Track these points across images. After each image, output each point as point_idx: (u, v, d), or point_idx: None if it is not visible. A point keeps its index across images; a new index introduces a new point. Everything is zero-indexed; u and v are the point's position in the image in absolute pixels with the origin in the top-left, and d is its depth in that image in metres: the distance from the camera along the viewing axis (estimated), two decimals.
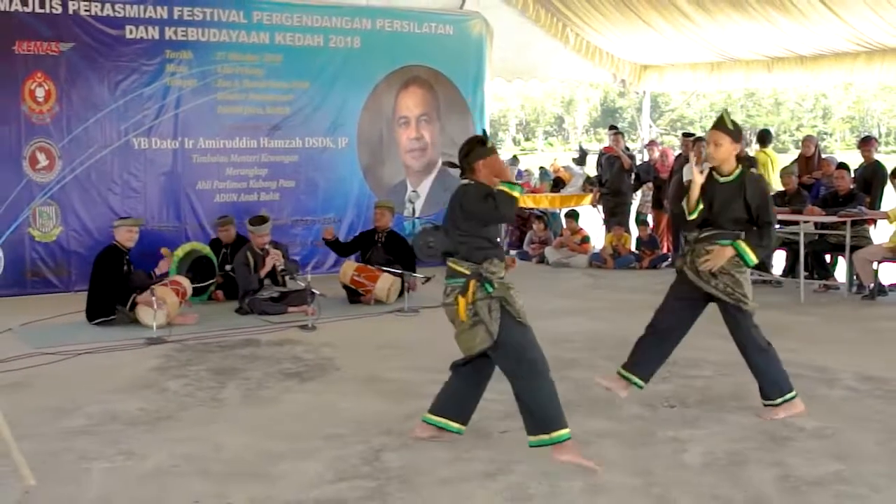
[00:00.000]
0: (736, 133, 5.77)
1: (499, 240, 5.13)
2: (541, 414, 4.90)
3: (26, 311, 9.30)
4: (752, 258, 5.70)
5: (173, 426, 5.76)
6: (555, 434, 4.86)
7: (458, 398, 5.32)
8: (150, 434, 5.59)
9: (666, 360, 6.12)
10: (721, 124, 5.78)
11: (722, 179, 5.78)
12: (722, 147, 5.72)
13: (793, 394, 5.87)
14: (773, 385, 5.86)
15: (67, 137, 10.56)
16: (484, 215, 4.99)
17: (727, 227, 5.74)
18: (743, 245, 5.68)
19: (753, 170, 11.08)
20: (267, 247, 9.63)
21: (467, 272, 4.94)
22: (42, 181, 10.47)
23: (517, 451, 5.18)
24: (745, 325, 5.83)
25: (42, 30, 10.31)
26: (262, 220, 9.71)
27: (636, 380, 5.99)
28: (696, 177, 5.70)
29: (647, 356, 6.01)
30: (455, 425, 5.31)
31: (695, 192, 5.71)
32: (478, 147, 5.17)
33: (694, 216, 5.76)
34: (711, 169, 5.79)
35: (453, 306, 4.96)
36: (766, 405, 5.88)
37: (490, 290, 4.90)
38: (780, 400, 5.84)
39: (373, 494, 4.59)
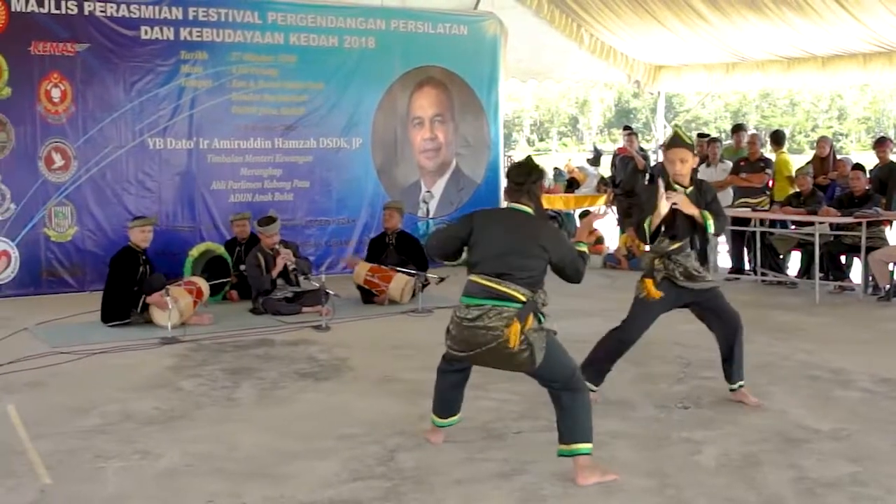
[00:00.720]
0: (693, 147, 6.14)
1: None
2: (581, 421, 4.85)
3: (42, 311, 9.34)
4: (713, 229, 5.97)
5: (188, 425, 5.78)
6: (586, 445, 4.81)
7: (457, 395, 5.40)
8: (164, 433, 5.61)
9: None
10: (681, 141, 6.07)
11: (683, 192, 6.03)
12: (687, 163, 6.03)
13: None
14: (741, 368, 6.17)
15: (83, 137, 10.61)
16: (559, 260, 4.92)
17: (688, 234, 6.00)
18: (707, 213, 5.92)
19: (769, 171, 11.10)
20: (277, 247, 9.63)
21: (524, 299, 4.77)
22: (57, 181, 10.51)
23: (531, 452, 5.18)
24: (727, 305, 6.12)
25: (58, 30, 10.36)
26: (270, 221, 9.72)
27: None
28: (662, 208, 5.89)
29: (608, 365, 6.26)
30: (456, 418, 5.39)
31: (657, 220, 5.93)
32: (536, 172, 5.11)
33: (647, 240, 6.05)
34: (675, 182, 6.05)
35: (499, 332, 4.75)
36: (735, 389, 6.16)
37: (543, 319, 4.84)
38: (740, 384, 6.18)
39: (387, 495, 4.59)
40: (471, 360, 5.06)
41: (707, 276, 6.08)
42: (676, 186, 6.01)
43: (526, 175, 5.04)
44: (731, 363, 6.16)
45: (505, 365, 4.92)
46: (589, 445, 4.79)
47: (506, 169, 5.30)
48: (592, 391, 6.01)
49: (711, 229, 5.97)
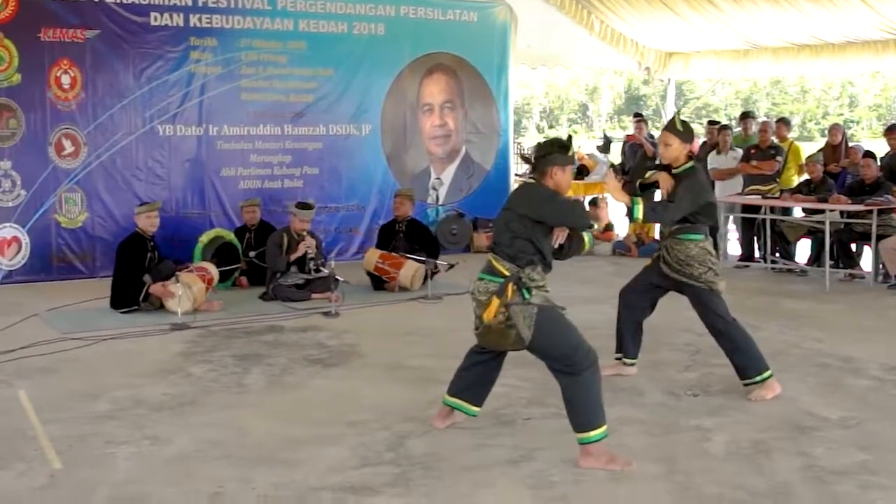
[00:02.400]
0: (685, 134, 6.07)
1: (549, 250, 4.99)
2: (580, 411, 4.83)
3: (52, 297, 9.37)
4: (639, 215, 5.85)
5: (198, 411, 5.80)
6: (593, 432, 4.78)
7: (476, 380, 5.31)
8: (174, 419, 5.63)
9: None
10: (671, 126, 6.12)
11: (675, 171, 6.08)
12: (671, 147, 6.04)
13: (769, 373, 6.05)
14: (752, 361, 6.05)
15: (93, 124, 10.62)
16: (543, 216, 4.85)
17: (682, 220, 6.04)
18: (638, 198, 5.87)
19: (780, 158, 11.04)
20: (304, 233, 9.66)
21: (507, 273, 4.79)
22: (68, 167, 10.53)
23: (540, 439, 5.19)
24: (714, 304, 6.07)
25: (68, 17, 10.36)
26: (307, 207, 9.78)
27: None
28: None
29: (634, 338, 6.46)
30: (472, 408, 5.31)
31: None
32: (559, 153, 4.97)
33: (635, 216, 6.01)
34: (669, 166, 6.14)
35: (485, 305, 4.82)
36: (745, 385, 6.06)
37: (527, 296, 4.76)
38: (758, 378, 6.02)
39: (396, 480, 4.60)
40: (480, 341, 5.06)
41: (695, 272, 5.99)
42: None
43: (540, 155, 4.99)
44: (734, 361, 6.12)
45: (501, 343, 4.92)
46: (597, 432, 4.76)
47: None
48: (632, 364, 6.39)
49: (638, 214, 5.89)
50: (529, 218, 4.83)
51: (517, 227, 4.84)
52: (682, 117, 6.24)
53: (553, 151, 4.97)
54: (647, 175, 6.18)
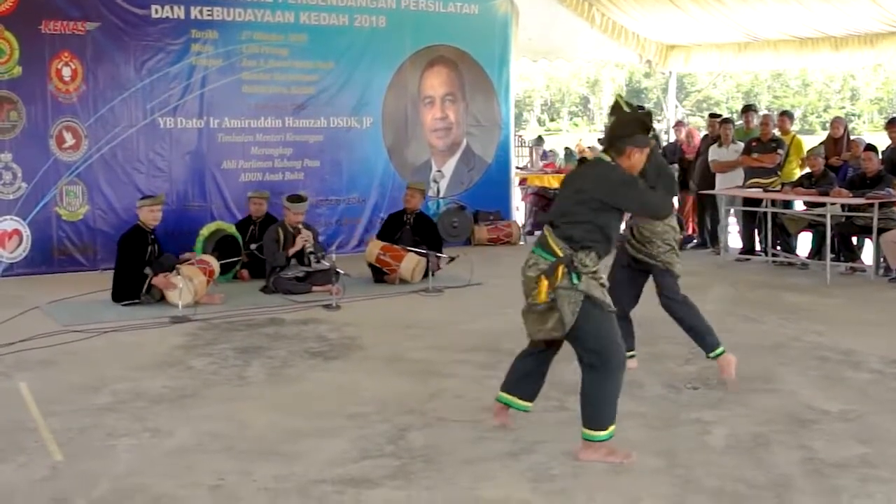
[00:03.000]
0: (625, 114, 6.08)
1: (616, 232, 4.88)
2: (595, 410, 4.74)
3: (53, 290, 9.37)
4: None
5: (198, 404, 5.80)
6: (601, 433, 4.72)
7: (526, 373, 5.12)
8: (175, 411, 5.63)
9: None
10: (620, 110, 5.99)
11: None
12: None
13: (721, 349, 6.19)
14: (702, 339, 6.21)
15: (94, 116, 10.62)
16: (619, 203, 4.67)
17: None
18: None
19: (781, 151, 11.04)
20: (299, 226, 9.65)
21: (560, 254, 4.61)
22: (69, 160, 10.53)
23: (541, 432, 5.19)
24: (666, 285, 6.18)
25: (69, 9, 10.36)
26: (300, 199, 9.79)
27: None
28: None
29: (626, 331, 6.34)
30: (523, 403, 5.13)
31: None
32: (640, 133, 4.77)
33: None
34: None
35: (533, 284, 4.66)
36: (709, 357, 6.21)
37: (576, 281, 4.57)
38: (712, 355, 6.19)
39: (396, 473, 4.61)
40: (524, 320, 4.84)
41: (655, 249, 6.09)
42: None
43: (620, 133, 4.76)
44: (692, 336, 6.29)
45: (537, 328, 4.71)
46: (605, 433, 4.71)
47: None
48: (632, 356, 6.26)
49: None
50: (602, 202, 4.64)
51: (583, 209, 4.64)
52: (627, 99, 6.24)
53: (637, 132, 4.76)
54: None
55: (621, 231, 5.24)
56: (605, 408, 4.71)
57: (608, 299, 4.73)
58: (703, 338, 6.20)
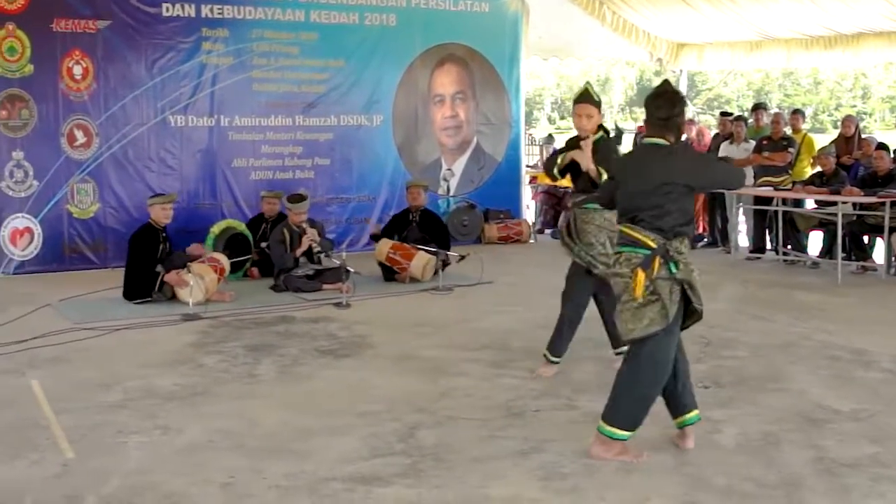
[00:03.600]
0: (599, 104, 6.24)
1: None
2: (628, 409, 4.68)
3: (65, 287, 9.40)
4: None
5: (209, 401, 5.81)
6: (622, 432, 4.67)
7: (674, 393, 4.86)
8: (186, 409, 5.65)
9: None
10: (589, 97, 6.19)
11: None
12: (593, 118, 6.14)
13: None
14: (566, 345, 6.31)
15: (105, 115, 10.64)
16: (705, 185, 4.78)
17: (588, 187, 6.08)
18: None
19: (792, 150, 10.99)
20: (304, 225, 9.66)
21: (653, 245, 4.51)
22: (80, 158, 10.56)
23: (551, 430, 5.18)
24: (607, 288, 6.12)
25: (80, 7, 10.38)
26: (300, 198, 9.75)
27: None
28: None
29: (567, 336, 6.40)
30: (691, 415, 4.90)
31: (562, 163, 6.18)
32: (684, 109, 4.74)
33: (556, 172, 6.24)
34: (577, 138, 6.23)
35: (627, 279, 4.55)
36: (618, 353, 6.19)
37: (674, 270, 4.50)
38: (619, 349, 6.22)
39: (407, 471, 4.61)
40: (618, 319, 4.71)
41: (585, 246, 6.10)
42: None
43: (670, 108, 4.65)
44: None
45: (632, 326, 4.55)
46: (627, 433, 4.67)
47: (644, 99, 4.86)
48: (556, 363, 6.30)
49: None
50: (689, 186, 4.58)
51: (670, 199, 4.55)
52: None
53: (678, 104, 4.69)
54: (559, 160, 6.19)
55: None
56: (639, 406, 4.66)
57: (700, 302, 4.65)
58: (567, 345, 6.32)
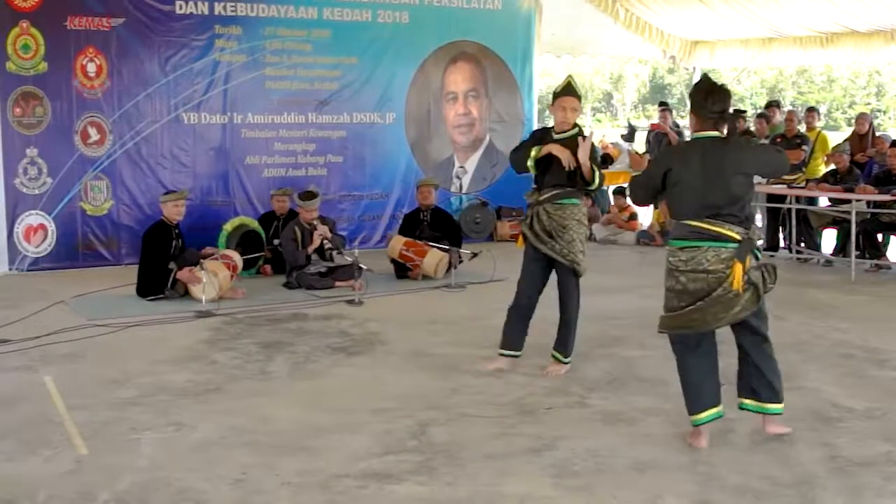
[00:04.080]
0: (581, 97, 6.31)
1: None
2: (778, 380, 4.94)
3: (78, 284, 9.43)
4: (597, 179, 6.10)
5: (222, 398, 5.82)
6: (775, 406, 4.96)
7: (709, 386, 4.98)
8: (198, 406, 5.66)
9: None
10: (573, 90, 6.20)
11: (560, 136, 6.13)
12: (577, 111, 6.21)
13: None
14: (572, 344, 6.32)
15: (118, 112, 10.67)
16: (772, 170, 4.94)
17: (562, 182, 6.07)
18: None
19: (806, 147, 10.93)
20: (315, 222, 9.66)
21: (738, 238, 4.58)
22: (93, 155, 10.60)
23: (563, 428, 5.18)
24: (573, 283, 6.24)
25: (93, 5, 10.42)
26: (311, 196, 9.76)
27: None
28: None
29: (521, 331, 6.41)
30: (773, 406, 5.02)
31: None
32: (730, 94, 4.83)
33: (530, 164, 6.14)
34: (550, 129, 6.27)
35: (722, 274, 4.60)
36: (560, 362, 6.29)
37: (759, 256, 4.72)
38: (569, 360, 6.31)
39: (419, 468, 4.61)
40: (689, 320, 4.75)
41: (566, 247, 6.08)
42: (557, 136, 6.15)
43: (725, 101, 4.75)
44: (562, 333, 6.33)
45: (725, 313, 4.68)
46: (781, 406, 4.95)
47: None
48: (516, 356, 6.31)
49: (595, 183, 6.07)
50: (757, 174, 4.78)
51: (743, 190, 4.68)
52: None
53: (729, 97, 4.81)
54: (534, 152, 6.11)
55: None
56: (778, 374, 4.95)
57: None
58: (570, 340, 6.31)
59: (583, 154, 5.94)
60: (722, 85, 4.82)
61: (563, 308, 6.30)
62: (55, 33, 10.26)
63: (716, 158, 4.67)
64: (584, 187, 6.11)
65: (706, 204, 4.66)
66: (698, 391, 4.91)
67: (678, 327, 4.85)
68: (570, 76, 6.32)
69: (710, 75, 5.29)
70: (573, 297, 6.24)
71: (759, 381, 4.92)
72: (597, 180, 6.08)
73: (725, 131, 4.75)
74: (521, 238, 6.35)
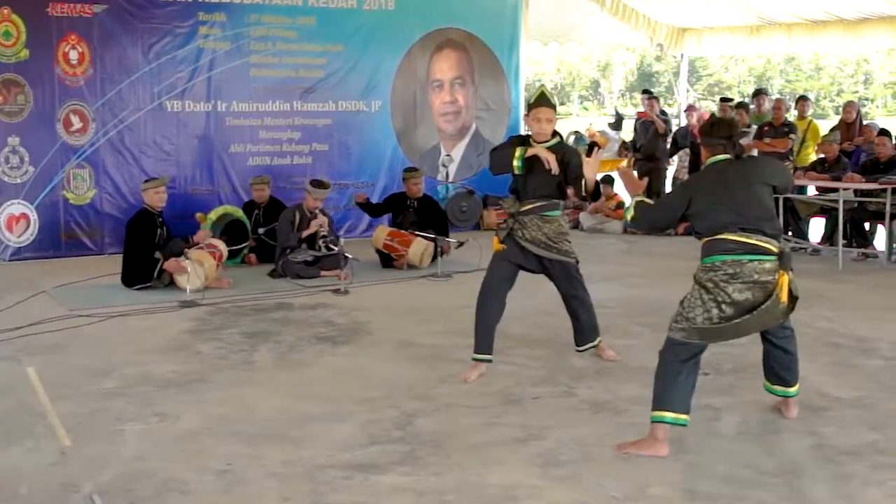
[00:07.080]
0: (555, 107, 6.23)
1: None
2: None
3: (61, 273, 9.37)
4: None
5: (206, 388, 5.79)
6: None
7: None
8: (183, 396, 5.62)
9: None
10: (547, 100, 6.12)
11: (541, 145, 6.03)
12: (552, 122, 6.09)
13: (600, 338, 6.37)
14: (595, 329, 6.31)
15: (101, 100, 10.59)
16: (786, 182, 5.05)
17: (549, 192, 6.02)
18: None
19: (793, 136, 10.95)
20: (317, 211, 9.64)
21: (775, 250, 4.62)
22: (76, 144, 10.52)
23: (549, 417, 5.16)
24: (580, 275, 6.21)
25: None
26: (322, 185, 9.78)
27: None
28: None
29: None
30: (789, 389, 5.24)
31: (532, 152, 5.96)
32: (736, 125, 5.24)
33: (517, 164, 5.97)
34: (528, 138, 6.16)
35: (769, 285, 4.61)
36: (585, 349, 6.31)
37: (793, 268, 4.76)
38: (597, 340, 6.32)
39: (404, 459, 4.59)
40: (732, 332, 4.76)
41: (564, 247, 6.07)
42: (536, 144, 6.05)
43: (730, 128, 5.00)
44: (577, 327, 6.30)
45: (774, 322, 4.82)
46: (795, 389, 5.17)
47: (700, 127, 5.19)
48: (489, 361, 6.06)
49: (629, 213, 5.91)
50: (777, 187, 4.89)
51: (771, 201, 4.83)
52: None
53: (736, 126, 5.16)
54: (519, 152, 5.94)
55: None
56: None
57: None
58: (593, 329, 6.29)
59: (591, 172, 5.84)
60: (724, 118, 5.24)
61: (576, 300, 6.22)
62: (37, 20, 10.17)
63: (744, 174, 4.80)
64: (582, 200, 6.11)
65: (742, 218, 4.69)
66: (682, 393, 4.77)
67: (722, 338, 4.86)
68: (542, 86, 6.29)
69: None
70: (581, 283, 6.19)
71: (788, 370, 5.16)
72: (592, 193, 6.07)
73: (734, 155, 4.90)
74: (496, 241, 6.17)
